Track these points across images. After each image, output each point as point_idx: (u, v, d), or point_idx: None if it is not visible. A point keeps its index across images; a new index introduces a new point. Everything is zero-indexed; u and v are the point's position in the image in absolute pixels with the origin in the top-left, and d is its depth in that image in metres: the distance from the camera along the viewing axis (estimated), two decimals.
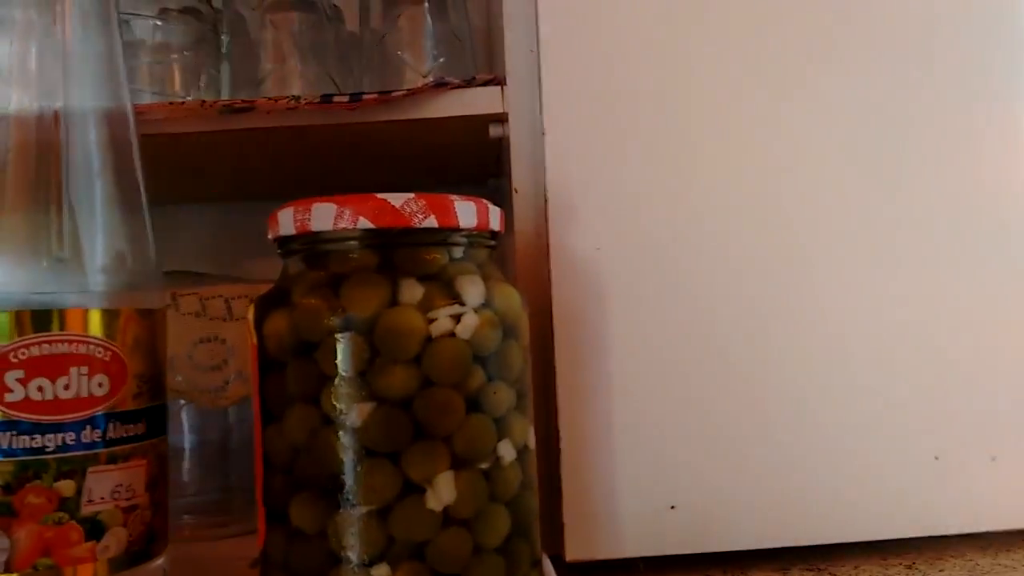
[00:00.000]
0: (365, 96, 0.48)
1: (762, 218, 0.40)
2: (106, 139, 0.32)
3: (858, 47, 0.40)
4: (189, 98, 0.58)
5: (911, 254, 0.40)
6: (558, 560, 0.38)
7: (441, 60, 0.61)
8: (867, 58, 0.40)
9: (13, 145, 0.31)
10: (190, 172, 0.62)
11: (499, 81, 0.48)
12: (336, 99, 0.48)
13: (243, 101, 0.48)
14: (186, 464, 0.52)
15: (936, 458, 0.39)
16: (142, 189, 0.34)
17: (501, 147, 0.56)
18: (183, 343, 0.49)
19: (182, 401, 0.50)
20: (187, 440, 0.52)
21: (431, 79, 0.53)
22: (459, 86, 0.49)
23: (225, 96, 0.61)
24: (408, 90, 0.48)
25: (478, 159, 0.62)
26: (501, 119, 0.51)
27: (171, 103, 0.49)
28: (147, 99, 0.56)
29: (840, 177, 0.40)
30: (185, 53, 0.60)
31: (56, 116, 0.31)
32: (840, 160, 0.40)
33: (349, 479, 0.29)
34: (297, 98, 0.48)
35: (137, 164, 0.34)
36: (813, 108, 0.40)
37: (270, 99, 0.48)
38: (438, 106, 0.49)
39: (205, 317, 0.49)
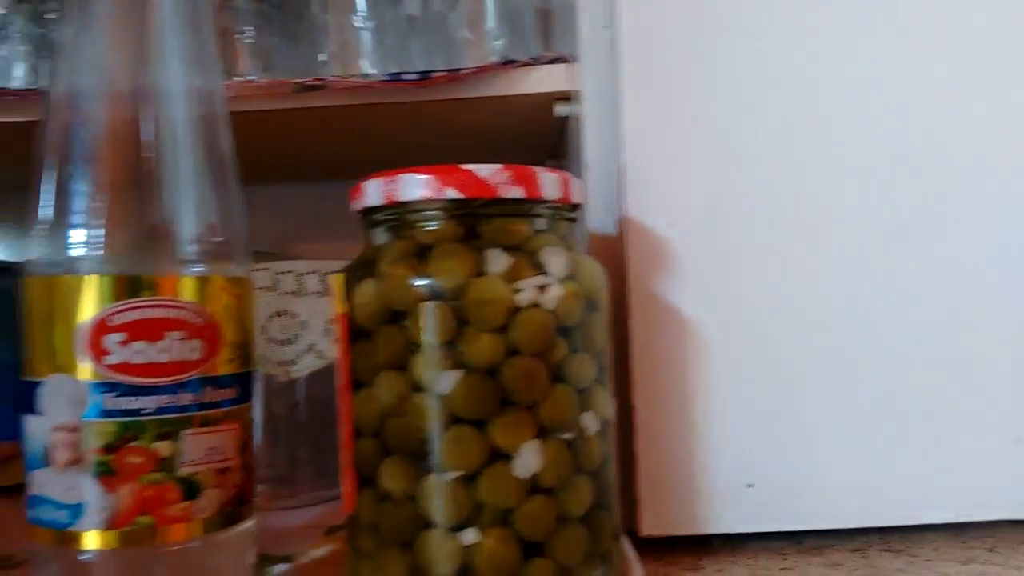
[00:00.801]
0: (434, 74, 0.48)
1: (849, 196, 0.39)
2: (198, 113, 0.33)
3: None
4: (254, 79, 0.59)
5: (994, 237, 0.39)
6: (632, 535, 0.38)
7: (502, 40, 0.61)
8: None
9: (110, 118, 0.32)
10: (255, 152, 0.63)
11: (566, 59, 0.48)
12: (405, 77, 0.48)
13: (315, 79, 0.48)
14: (255, 437, 0.53)
15: (1017, 441, 0.39)
16: (232, 162, 0.35)
17: (565, 127, 0.56)
18: (256, 317, 0.50)
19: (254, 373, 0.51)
20: (256, 414, 0.53)
21: (493, 59, 0.53)
22: (527, 64, 0.49)
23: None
24: (477, 68, 0.48)
25: (538, 140, 0.62)
26: (568, 97, 0.51)
27: (245, 81, 0.49)
28: None
29: (939, 162, 0.39)
30: (248, 32, 0.61)
31: (149, 92, 0.32)
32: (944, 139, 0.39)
33: (437, 445, 0.30)
34: (368, 76, 0.48)
35: (227, 138, 0.34)
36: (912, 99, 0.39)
37: (341, 77, 0.48)
38: (506, 84, 0.49)
39: (277, 292, 0.50)
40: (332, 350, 0.51)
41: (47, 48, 0.57)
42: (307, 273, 0.50)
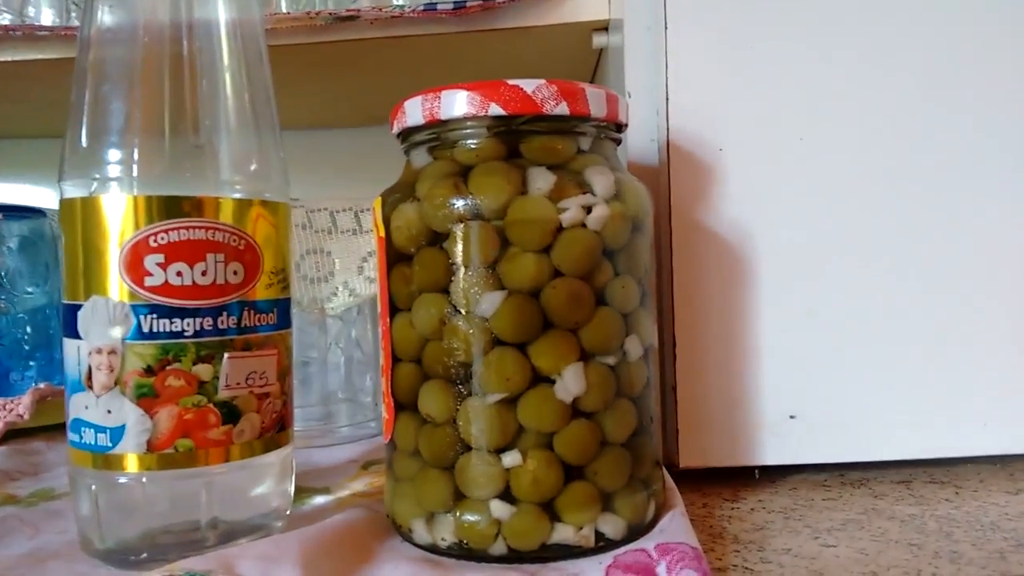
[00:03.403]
0: (469, 4, 0.47)
1: (903, 123, 0.38)
2: (236, 42, 0.32)
3: None
4: (287, 11, 0.58)
5: None
6: (671, 466, 0.38)
7: None
8: None
9: (147, 39, 0.31)
10: (288, 94, 0.62)
11: None
12: (440, 7, 0.47)
13: (348, 11, 0.47)
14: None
15: None
16: (271, 92, 0.34)
17: (602, 59, 0.54)
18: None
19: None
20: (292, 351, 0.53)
21: None
22: None
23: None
24: None
25: (572, 74, 0.61)
26: (605, 27, 0.49)
27: (276, 14, 0.48)
28: None
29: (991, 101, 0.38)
30: None
31: (188, 23, 0.31)
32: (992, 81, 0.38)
33: (479, 368, 0.29)
34: (401, 7, 0.47)
35: (266, 68, 0.34)
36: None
37: (375, 8, 0.47)
38: (543, 13, 0.48)
39: (311, 230, 0.50)
40: (366, 288, 0.51)
41: None
42: (341, 211, 0.50)
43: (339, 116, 0.71)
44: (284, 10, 0.52)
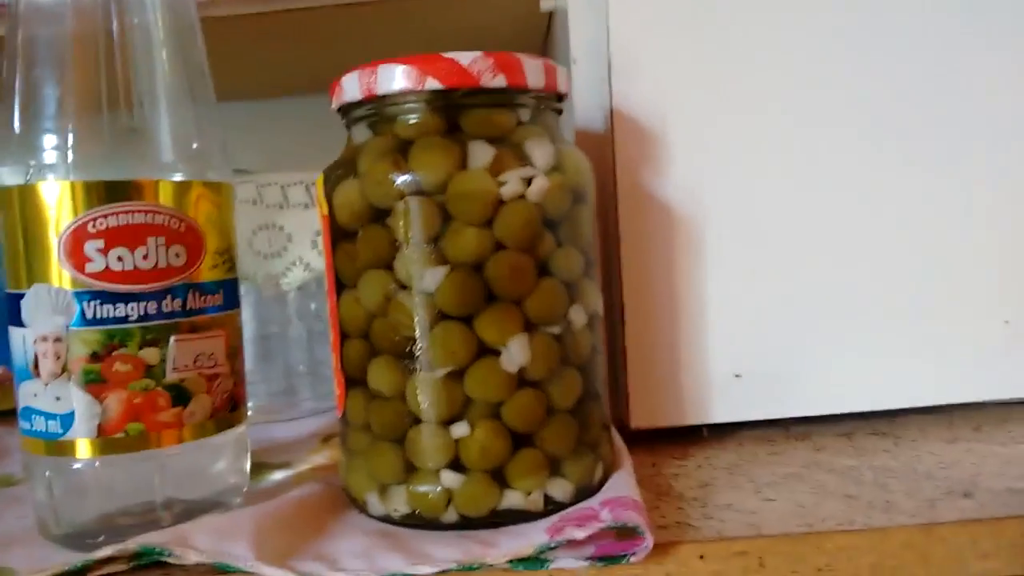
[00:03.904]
0: None
1: (841, 86, 0.38)
2: (169, 18, 0.32)
3: None
4: None
5: (985, 129, 0.38)
6: (622, 428, 0.39)
7: None
8: None
9: (78, 21, 0.30)
10: (231, 65, 0.61)
11: None
12: None
13: None
14: (249, 352, 0.53)
15: (1006, 322, 0.39)
16: (206, 69, 0.33)
17: (551, 21, 0.54)
18: (241, 231, 0.49)
19: (243, 288, 0.51)
20: (249, 330, 0.53)
21: None
22: None
23: None
24: None
25: (523, 38, 0.60)
26: None
27: None
28: None
29: (932, 56, 0.38)
30: None
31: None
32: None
33: (425, 342, 0.30)
34: None
35: (200, 44, 0.33)
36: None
37: None
38: None
39: (262, 205, 0.49)
40: (320, 262, 0.51)
41: None
42: (291, 184, 0.50)
43: (289, 85, 0.70)
44: None
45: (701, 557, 0.28)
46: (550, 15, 0.52)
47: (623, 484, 0.31)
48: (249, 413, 0.35)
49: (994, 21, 0.38)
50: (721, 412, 0.39)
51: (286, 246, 0.50)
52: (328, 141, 0.49)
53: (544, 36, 0.59)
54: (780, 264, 0.38)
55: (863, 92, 0.38)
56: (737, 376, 0.39)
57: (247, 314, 0.52)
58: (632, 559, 0.27)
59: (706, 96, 0.38)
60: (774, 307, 0.38)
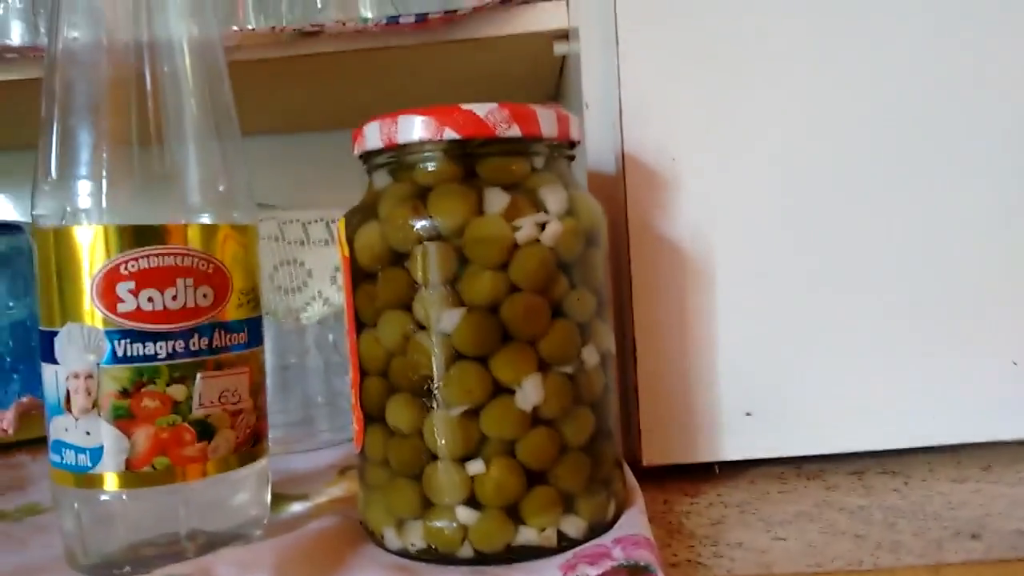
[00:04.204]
0: (430, 16, 0.48)
1: (849, 123, 0.39)
2: (198, 62, 0.33)
3: None
4: (252, 27, 0.59)
5: (998, 161, 0.39)
6: (635, 464, 0.39)
7: None
8: None
9: (110, 69, 0.32)
10: (256, 103, 0.63)
11: None
12: (402, 20, 0.48)
13: (312, 26, 0.48)
14: (268, 383, 0.54)
15: (1015, 363, 0.39)
16: (233, 112, 0.35)
17: (564, 67, 0.55)
18: (263, 266, 0.50)
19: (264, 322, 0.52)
20: (268, 360, 0.54)
21: None
22: (524, 2, 0.48)
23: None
24: (473, 8, 0.48)
25: (536, 81, 0.62)
26: (565, 35, 0.50)
27: (244, 30, 0.49)
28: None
29: (946, 81, 0.39)
30: None
31: (148, 42, 0.32)
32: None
33: (442, 381, 0.31)
34: (365, 20, 0.48)
35: (227, 86, 0.35)
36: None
37: (339, 22, 0.48)
38: (503, 23, 0.49)
39: (283, 241, 0.51)
40: (339, 297, 0.52)
41: (44, 3, 0.56)
42: (312, 222, 0.51)
43: (311, 122, 0.71)
44: (251, 26, 0.53)
45: None
46: (563, 60, 0.54)
47: (635, 522, 0.32)
48: (270, 443, 0.36)
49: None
50: (732, 450, 0.39)
51: (306, 281, 0.51)
52: (346, 176, 0.51)
53: (557, 80, 0.60)
54: (790, 303, 0.39)
55: (874, 137, 0.39)
56: (748, 414, 0.39)
57: (266, 345, 0.53)
58: None
59: (716, 140, 0.39)
60: (784, 345, 0.39)
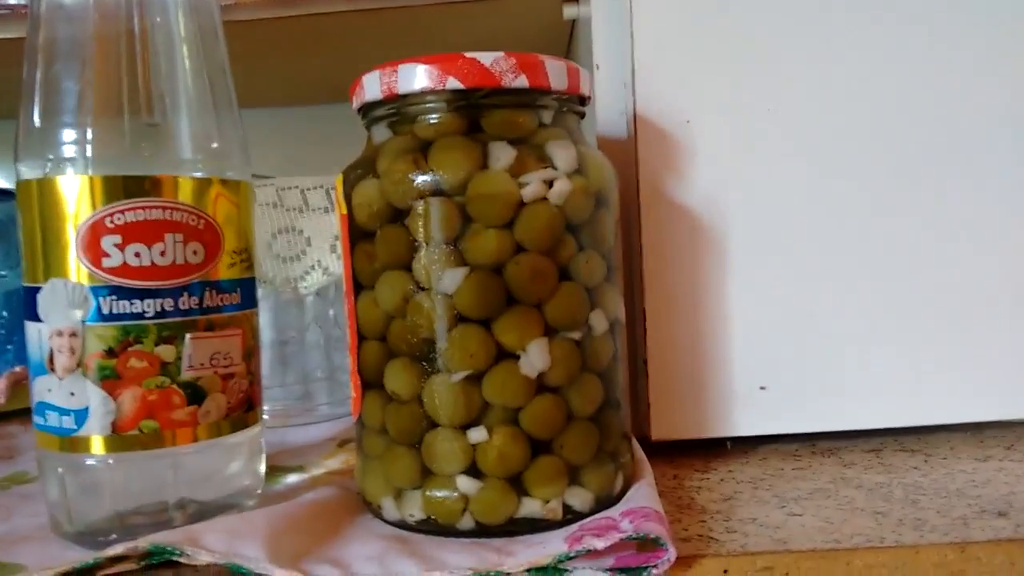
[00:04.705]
0: None
1: (871, 92, 0.37)
2: (191, 17, 0.32)
3: None
4: None
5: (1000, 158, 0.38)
6: (643, 440, 0.38)
7: None
8: None
9: (98, 17, 0.30)
10: (254, 73, 0.61)
11: None
12: None
13: None
14: (267, 357, 0.53)
15: None
16: (228, 71, 0.33)
17: (574, 29, 0.54)
18: (261, 234, 0.49)
19: (261, 292, 0.50)
20: (267, 335, 0.53)
21: None
22: None
23: None
24: None
25: (546, 45, 0.60)
26: None
27: None
28: None
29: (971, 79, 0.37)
30: None
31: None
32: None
33: (443, 345, 0.29)
34: None
35: (222, 47, 0.33)
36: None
37: None
38: None
39: (282, 208, 0.49)
40: (339, 267, 0.50)
41: None
42: (311, 188, 0.49)
43: (308, 93, 0.70)
44: None
45: (725, 571, 0.27)
46: (572, 24, 0.52)
47: (644, 495, 0.30)
48: (265, 418, 0.34)
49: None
50: (745, 425, 0.38)
51: (305, 250, 0.50)
52: (346, 150, 0.49)
53: (567, 45, 0.59)
54: (807, 274, 0.37)
55: (900, 104, 0.37)
56: (762, 388, 0.38)
57: (265, 319, 0.52)
58: (653, 571, 0.26)
59: (730, 103, 0.37)
60: (800, 318, 0.37)
